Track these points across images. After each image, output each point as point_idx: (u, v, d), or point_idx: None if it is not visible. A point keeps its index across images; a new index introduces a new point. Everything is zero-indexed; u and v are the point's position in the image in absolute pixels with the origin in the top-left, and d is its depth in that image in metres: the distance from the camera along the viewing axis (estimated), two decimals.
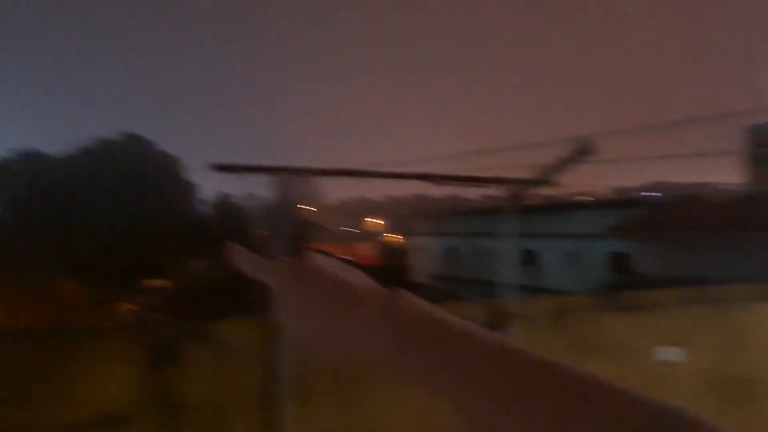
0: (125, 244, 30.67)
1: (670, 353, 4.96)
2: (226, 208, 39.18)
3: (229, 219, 37.47)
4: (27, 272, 27.39)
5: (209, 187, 42.15)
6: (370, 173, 3.76)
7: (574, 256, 26.68)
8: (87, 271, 28.97)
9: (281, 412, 3.62)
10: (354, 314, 0.56)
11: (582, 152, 3.48)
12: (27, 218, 31.93)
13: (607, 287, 17.00)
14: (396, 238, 57.58)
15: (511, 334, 4.23)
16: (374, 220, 70.84)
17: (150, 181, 34.81)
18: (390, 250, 48.34)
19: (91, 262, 29.42)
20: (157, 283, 31.25)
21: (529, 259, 29.67)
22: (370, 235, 62.28)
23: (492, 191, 4.17)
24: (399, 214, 72.15)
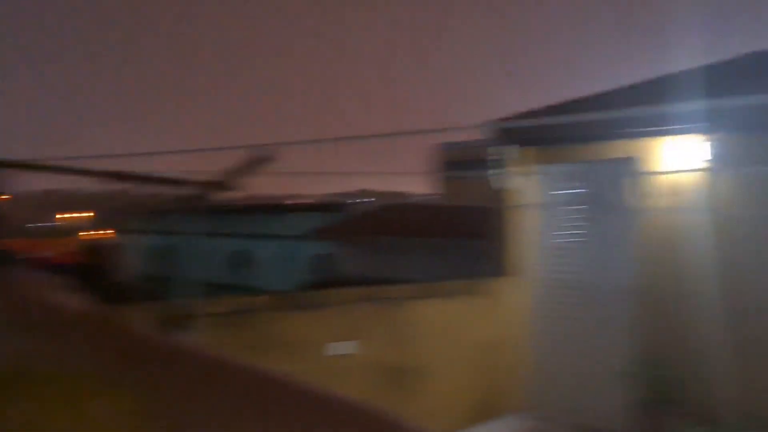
0: None
1: (343, 347, 5.44)
2: None
3: None
4: None
5: None
6: (52, 168, 3.48)
7: (284, 257, 27.55)
8: None
9: None
10: (63, 337, 0.55)
11: (261, 160, 3.66)
12: None
13: (307, 286, 17.89)
14: (99, 234, 53.03)
15: (189, 334, 4.25)
16: (74, 215, 64.55)
17: None
18: (91, 247, 44.45)
19: None
20: None
21: (241, 259, 29.83)
22: (69, 231, 56.65)
23: (179, 191, 4.15)
24: (103, 208, 66.75)
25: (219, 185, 4.07)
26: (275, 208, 31.90)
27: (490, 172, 7.13)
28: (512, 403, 7.44)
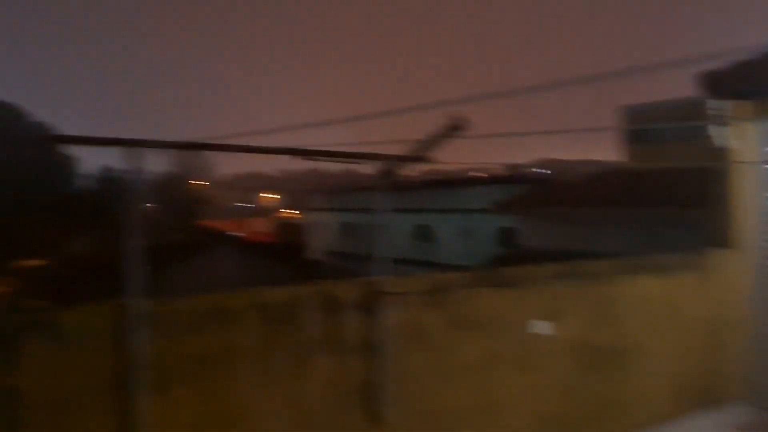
0: None
1: (544, 326, 5.06)
2: (108, 182, 37.10)
3: (112, 194, 35.51)
4: None
5: (92, 160, 39.76)
6: (233, 147, 3.51)
7: (466, 231, 27.40)
8: None
9: (136, 403, 3.34)
10: None
11: (454, 128, 3.39)
12: None
13: (493, 261, 17.48)
14: (291, 213, 56.94)
15: (384, 312, 4.14)
16: (269, 195, 69.70)
17: (21, 152, 32.27)
18: (285, 226, 47.77)
19: None
20: (31, 263, 29.18)
21: (423, 234, 30.19)
22: (265, 211, 61.21)
23: (367, 167, 4.02)
24: (294, 189, 71.36)
25: (412, 158, 3.87)
26: (455, 181, 31.80)
27: (709, 129, 6.27)
28: (731, 390, 6.59)
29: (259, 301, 3.77)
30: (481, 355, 4.67)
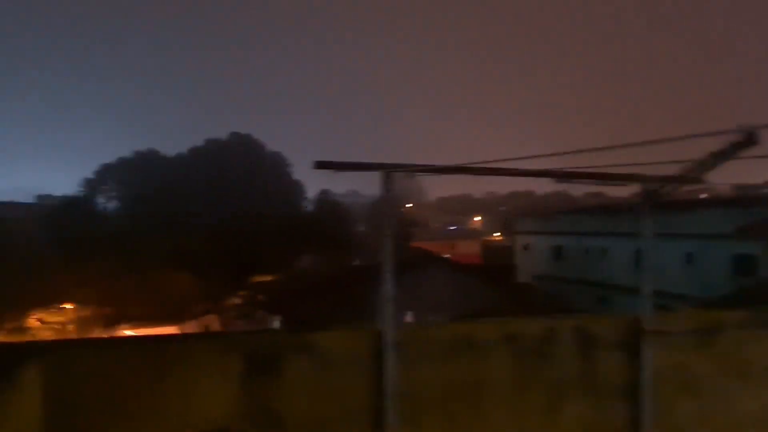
0: (233, 240, 31.67)
1: None
2: (328, 206, 39.66)
3: (332, 217, 37.89)
4: (143, 265, 28.86)
5: (314, 185, 42.88)
6: (489, 170, 3.36)
7: (693, 258, 24.89)
8: (197, 266, 30.12)
9: (388, 430, 3.28)
10: None
11: (744, 143, 2.90)
12: (143, 214, 33.69)
13: (733, 293, 15.59)
14: (499, 236, 56.41)
15: (647, 353, 3.68)
16: (476, 218, 69.84)
17: (257, 179, 35.74)
18: (493, 248, 47.40)
19: (201, 256, 30.59)
20: (263, 278, 32.04)
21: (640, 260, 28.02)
22: (473, 234, 61.36)
23: (624, 189, 3.64)
24: (501, 211, 70.77)
25: (680, 179, 3.43)
26: (682, 204, 29.17)
27: None
28: None
29: (509, 332, 3.55)
30: (763, 412, 3.98)
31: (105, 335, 27.36)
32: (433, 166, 3.41)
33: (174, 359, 3.16)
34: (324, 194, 40.69)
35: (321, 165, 3.19)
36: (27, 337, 25.54)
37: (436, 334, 3.51)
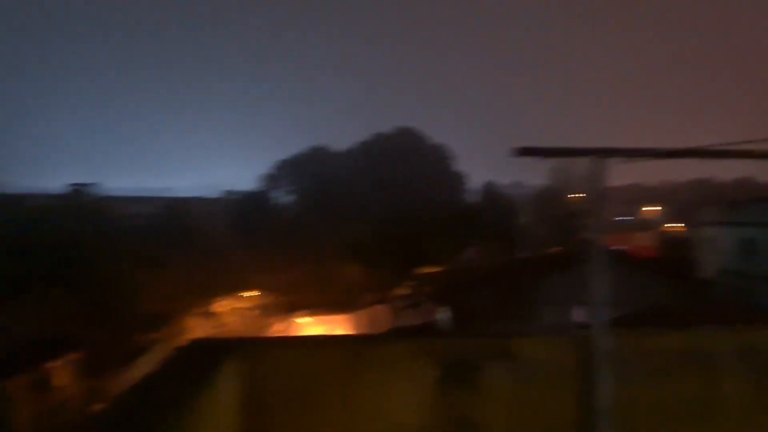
0: (399, 232, 32.33)
1: None
2: (492, 197, 39.20)
3: (496, 208, 37.41)
4: (317, 255, 30.37)
5: (477, 176, 42.61)
6: (721, 153, 2.97)
7: None
8: (366, 257, 31.13)
9: None
10: None
11: None
12: (315, 207, 35.45)
13: None
14: (677, 227, 52.34)
15: None
16: (652, 208, 65.34)
17: (422, 171, 36.23)
18: (670, 240, 44.14)
19: (369, 248, 31.56)
20: (429, 270, 32.36)
21: None
22: (648, 225, 57.60)
23: None
24: (679, 201, 65.61)
25: None
26: None
27: None
28: None
29: (744, 343, 3.14)
30: None
31: (284, 322, 29.30)
32: (656, 149, 3.04)
33: (368, 361, 3.10)
34: (488, 185, 40.30)
35: (524, 152, 2.96)
36: (214, 321, 27.89)
37: (655, 343, 3.17)
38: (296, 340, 6.31)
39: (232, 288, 29.72)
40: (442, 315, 23.65)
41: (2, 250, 22.62)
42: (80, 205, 28.09)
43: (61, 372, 17.55)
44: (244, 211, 35.87)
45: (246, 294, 30.54)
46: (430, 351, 3.13)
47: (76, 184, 31.05)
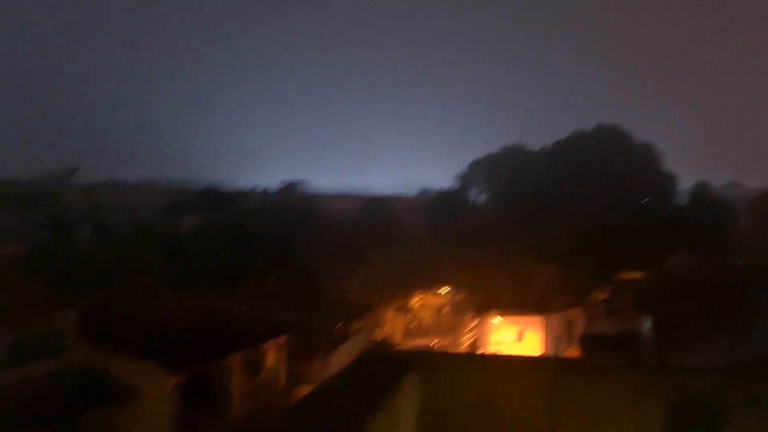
0: (599, 234, 30.99)
1: None
2: (704, 199, 36.01)
3: (709, 211, 34.32)
4: (511, 255, 30.13)
5: (688, 176, 39.43)
6: None
7: None
8: (562, 258, 30.24)
9: None
10: None
11: None
12: (510, 207, 35.19)
13: None
14: None
15: None
16: None
17: (625, 171, 34.38)
18: None
19: (566, 249, 30.62)
20: (631, 275, 30.61)
21: None
22: None
23: None
24: None
25: None
26: None
27: None
28: None
29: None
30: None
31: (475, 320, 29.45)
32: None
33: (574, 393, 2.81)
34: (700, 186, 37.09)
35: None
36: (409, 316, 28.87)
37: None
38: (485, 358, 5.78)
39: (426, 284, 30.49)
40: (645, 324, 22.24)
41: (227, 242, 25.60)
42: (292, 202, 30.70)
43: (271, 353, 19.15)
44: (438, 209, 36.72)
45: (440, 291, 31.17)
46: (655, 386, 2.77)
47: (287, 182, 33.96)
